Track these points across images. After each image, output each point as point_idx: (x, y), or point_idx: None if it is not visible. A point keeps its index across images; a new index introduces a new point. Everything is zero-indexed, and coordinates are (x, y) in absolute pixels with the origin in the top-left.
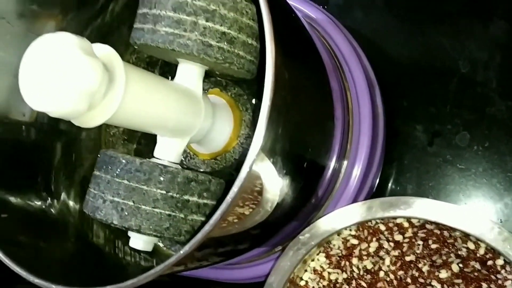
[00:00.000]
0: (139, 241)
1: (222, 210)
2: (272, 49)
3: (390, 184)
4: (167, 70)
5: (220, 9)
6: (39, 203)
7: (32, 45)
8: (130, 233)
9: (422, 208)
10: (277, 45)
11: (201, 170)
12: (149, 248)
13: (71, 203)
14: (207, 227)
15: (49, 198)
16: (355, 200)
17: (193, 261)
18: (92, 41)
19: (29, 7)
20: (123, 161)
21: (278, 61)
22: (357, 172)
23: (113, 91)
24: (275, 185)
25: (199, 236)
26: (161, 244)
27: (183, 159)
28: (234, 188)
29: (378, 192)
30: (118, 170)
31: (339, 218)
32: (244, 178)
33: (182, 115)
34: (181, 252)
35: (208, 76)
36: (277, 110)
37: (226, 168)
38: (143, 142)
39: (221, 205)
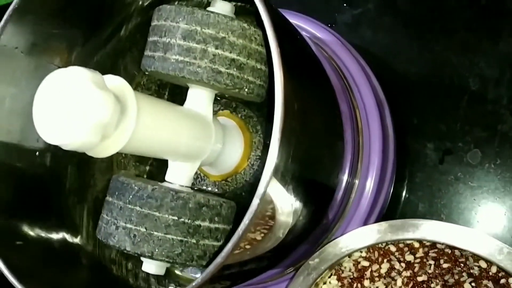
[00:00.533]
0: (151, 266)
1: (233, 241)
2: (281, 76)
3: (401, 203)
4: (178, 92)
5: (229, 37)
6: (53, 230)
7: (46, 80)
8: (142, 258)
9: (430, 230)
10: (285, 71)
11: (212, 191)
12: (161, 272)
13: (84, 227)
14: (219, 259)
15: (63, 224)
16: (366, 220)
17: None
18: (105, 64)
19: (39, 38)
20: (135, 187)
21: (287, 87)
22: (368, 192)
23: (125, 121)
24: (287, 209)
25: (211, 268)
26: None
27: (194, 180)
28: (245, 220)
29: (389, 211)
30: (130, 196)
31: (348, 241)
32: (256, 205)
33: (193, 140)
34: (193, 284)
35: (218, 98)
36: (287, 135)
37: (237, 190)
38: (155, 164)
39: (233, 236)
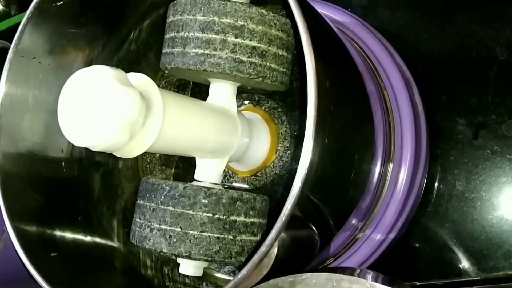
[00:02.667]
0: (189, 267)
1: (276, 229)
2: (312, 59)
3: (437, 183)
4: (198, 91)
5: (248, 24)
6: (85, 237)
7: (69, 82)
8: (179, 259)
9: None
10: (316, 53)
11: (242, 188)
12: (199, 273)
13: (115, 234)
14: (263, 248)
15: (94, 231)
16: (404, 204)
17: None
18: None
19: (58, 43)
20: (166, 187)
21: (319, 73)
22: (404, 174)
23: (152, 119)
24: (324, 197)
25: (256, 258)
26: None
27: (222, 178)
28: (288, 205)
29: (425, 194)
30: (162, 197)
31: None
32: (296, 194)
33: (220, 135)
34: (239, 276)
35: (240, 92)
36: (321, 120)
37: (268, 184)
38: (181, 166)
39: (276, 223)
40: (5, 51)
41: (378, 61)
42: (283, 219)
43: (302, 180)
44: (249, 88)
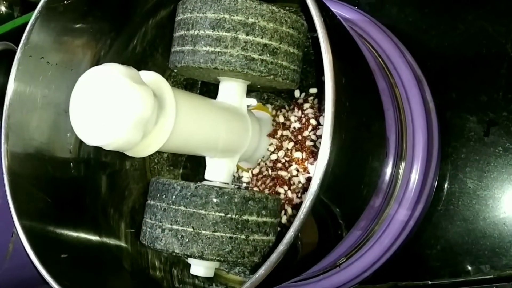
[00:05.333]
0: (200, 268)
1: (294, 227)
2: (330, 55)
3: (447, 181)
4: (206, 90)
5: (259, 21)
6: (92, 238)
7: (81, 80)
8: (190, 260)
9: None
10: (333, 50)
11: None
12: (210, 273)
13: (122, 235)
14: (282, 247)
15: (102, 231)
16: (416, 203)
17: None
18: None
19: (65, 42)
20: (178, 187)
21: (336, 67)
22: (416, 173)
23: (164, 117)
24: (337, 196)
25: (274, 256)
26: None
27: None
28: (306, 203)
29: (436, 191)
30: (174, 197)
31: None
32: (314, 193)
33: (231, 134)
34: (257, 275)
35: (249, 91)
36: (338, 117)
37: None
38: (189, 166)
39: (293, 222)
40: (9, 52)
41: (388, 58)
42: (301, 217)
43: (320, 178)
44: (258, 86)
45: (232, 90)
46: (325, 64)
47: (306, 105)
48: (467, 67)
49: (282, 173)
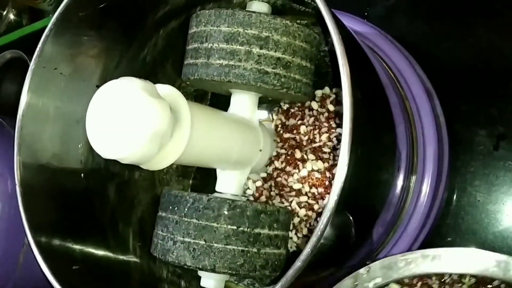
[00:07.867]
0: (211, 281)
1: (312, 243)
2: (347, 70)
3: (456, 195)
4: (215, 102)
5: (273, 35)
6: (102, 249)
7: (98, 94)
8: (201, 273)
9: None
10: (351, 66)
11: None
12: (221, 286)
13: (131, 246)
14: (298, 263)
15: (110, 242)
16: (427, 217)
17: None
18: None
19: (79, 53)
20: (190, 199)
21: (352, 81)
22: (427, 187)
23: (180, 130)
24: (350, 211)
25: (290, 273)
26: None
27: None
28: (323, 219)
29: (446, 204)
30: (186, 209)
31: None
32: (332, 208)
33: (244, 147)
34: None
35: (260, 102)
36: (355, 131)
37: None
38: (199, 177)
39: (311, 237)
40: (17, 60)
41: (399, 71)
42: (319, 234)
43: (338, 194)
44: (270, 98)
45: (244, 103)
46: (343, 81)
47: (313, 114)
48: (477, 81)
49: (289, 183)
